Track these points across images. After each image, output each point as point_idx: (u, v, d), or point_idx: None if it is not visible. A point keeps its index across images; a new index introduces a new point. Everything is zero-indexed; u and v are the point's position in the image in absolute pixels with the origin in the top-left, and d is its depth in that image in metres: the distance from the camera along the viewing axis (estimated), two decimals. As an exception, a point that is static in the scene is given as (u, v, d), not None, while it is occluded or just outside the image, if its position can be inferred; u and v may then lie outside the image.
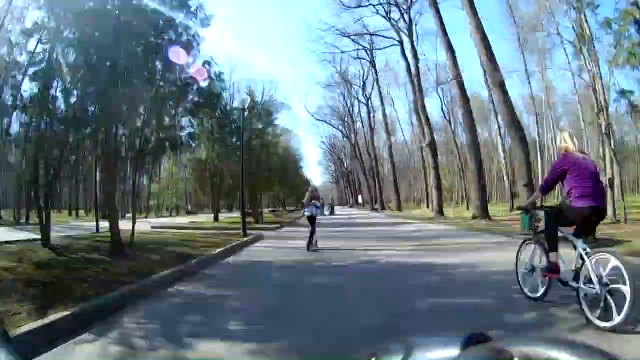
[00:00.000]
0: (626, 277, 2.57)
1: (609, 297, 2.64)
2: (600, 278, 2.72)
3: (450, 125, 35.33)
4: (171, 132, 7.99)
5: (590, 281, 2.79)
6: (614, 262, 2.72)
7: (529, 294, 3.51)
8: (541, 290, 3.36)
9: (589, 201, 3.04)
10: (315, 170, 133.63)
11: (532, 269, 3.53)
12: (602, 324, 2.62)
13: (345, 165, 64.53)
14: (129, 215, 9.81)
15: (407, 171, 47.93)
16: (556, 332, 2.72)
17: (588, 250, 2.91)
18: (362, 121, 48.36)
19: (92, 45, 5.64)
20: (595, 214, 3.10)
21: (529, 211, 3.81)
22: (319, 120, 51.46)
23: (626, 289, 2.54)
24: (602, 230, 7.08)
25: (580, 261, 2.95)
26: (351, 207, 58.81)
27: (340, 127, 53.58)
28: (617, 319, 2.52)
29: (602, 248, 3.44)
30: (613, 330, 2.54)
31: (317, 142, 74.77)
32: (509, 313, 3.22)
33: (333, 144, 61.61)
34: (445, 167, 35.80)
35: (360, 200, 54.97)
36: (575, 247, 3.04)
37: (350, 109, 49.20)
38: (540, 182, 8.01)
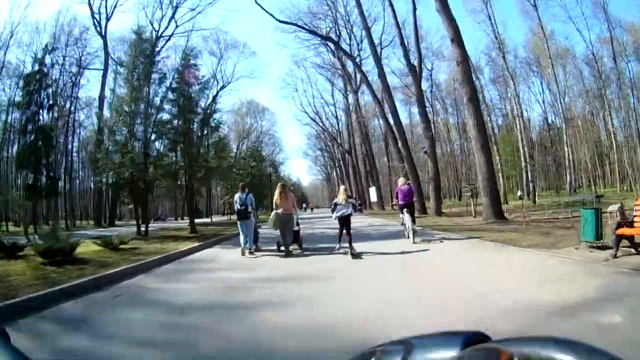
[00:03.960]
0: (409, 225, 8.64)
1: (410, 232, 8.53)
2: (407, 226, 8.74)
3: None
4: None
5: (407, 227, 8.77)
6: (409, 221, 8.67)
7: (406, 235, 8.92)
8: (407, 234, 8.86)
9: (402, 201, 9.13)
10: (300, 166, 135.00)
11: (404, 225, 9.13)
12: (410, 241, 8.33)
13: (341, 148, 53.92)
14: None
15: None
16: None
17: (407, 217, 8.88)
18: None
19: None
20: (407, 206, 8.99)
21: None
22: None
23: (410, 229, 8.54)
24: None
25: (408, 221, 8.73)
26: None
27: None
28: (411, 239, 8.39)
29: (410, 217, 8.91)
30: (413, 242, 8.15)
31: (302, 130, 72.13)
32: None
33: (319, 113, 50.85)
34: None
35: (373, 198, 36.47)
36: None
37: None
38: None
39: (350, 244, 6.98)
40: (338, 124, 52.41)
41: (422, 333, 0.47)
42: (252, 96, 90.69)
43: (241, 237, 8.12)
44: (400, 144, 23.07)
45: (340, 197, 7.44)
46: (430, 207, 21.33)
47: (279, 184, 8.63)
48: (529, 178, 27.36)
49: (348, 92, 44.96)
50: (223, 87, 43.33)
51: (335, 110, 51.94)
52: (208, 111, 15.58)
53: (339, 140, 50.86)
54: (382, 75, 23.97)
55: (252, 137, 52.66)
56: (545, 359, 0.35)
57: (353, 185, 48.35)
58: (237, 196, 8.34)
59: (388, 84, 23.82)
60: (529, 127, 39.73)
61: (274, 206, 7.92)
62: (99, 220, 30.61)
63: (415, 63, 21.94)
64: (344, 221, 7.30)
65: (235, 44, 41.66)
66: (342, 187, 8.11)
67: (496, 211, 14.21)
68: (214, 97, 43.42)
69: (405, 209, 8.86)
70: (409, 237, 8.49)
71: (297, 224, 8.31)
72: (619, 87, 31.11)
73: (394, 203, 10.49)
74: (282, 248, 7.74)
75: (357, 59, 32.34)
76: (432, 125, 24.93)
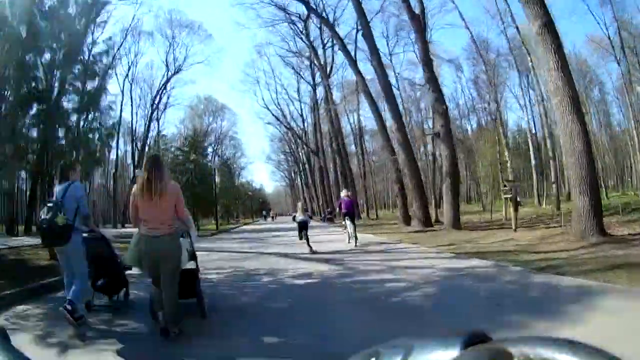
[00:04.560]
0: (350, 231, 10.26)
1: (352, 238, 10.12)
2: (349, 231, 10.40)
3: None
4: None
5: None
6: (350, 227, 10.25)
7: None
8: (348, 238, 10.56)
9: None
10: (262, 172, 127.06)
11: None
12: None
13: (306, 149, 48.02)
14: None
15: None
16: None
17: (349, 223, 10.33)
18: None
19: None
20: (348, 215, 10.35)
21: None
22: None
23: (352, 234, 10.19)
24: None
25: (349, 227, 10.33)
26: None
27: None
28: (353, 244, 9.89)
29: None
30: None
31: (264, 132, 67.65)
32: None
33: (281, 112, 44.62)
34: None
35: None
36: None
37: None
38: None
39: (307, 242, 9.23)
40: (304, 123, 45.81)
41: (422, 335, 0.45)
42: (210, 93, 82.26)
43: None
44: (394, 126, 16.26)
45: (299, 212, 9.90)
46: (444, 215, 14.66)
47: (148, 156, 4.53)
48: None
49: (317, 85, 38.50)
50: (175, 72, 36.18)
51: (301, 108, 45.32)
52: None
53: (304, 139, 43.70)
54: (367, 34, 17.37)
55: (211, 139, 47.02)
56: (546, 359, 0.35)
57: (320, 191, 41.39)
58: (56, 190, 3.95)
59: (375, 44, 17.20)
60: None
61: (132, 212, 3.45)
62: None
63: (417, 11, 15.55)
64: (303, 225, 9.51)
65: (190, 25, 35.59)
66: (299, 204, 10.76)
67: (598, 222, 7.80)
68: (165, 84, 35.86)
69: (347, 217, 10.38)
70: (349, 242, 10.20)
71: (193, 258, 3.90)
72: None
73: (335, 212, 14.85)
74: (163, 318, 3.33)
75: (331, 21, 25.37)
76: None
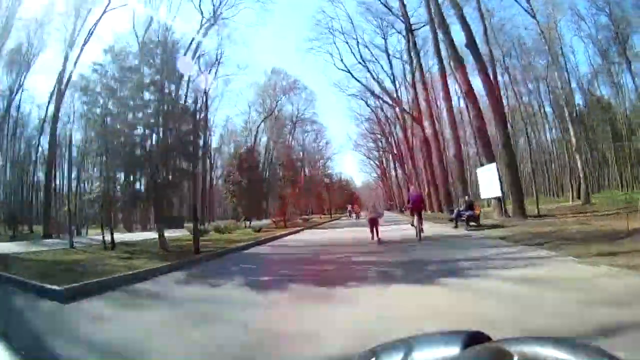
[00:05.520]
0: (417, 225, 9.70)
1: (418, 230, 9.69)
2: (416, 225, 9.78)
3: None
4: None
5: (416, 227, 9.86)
6: (417, 222, 9.73)
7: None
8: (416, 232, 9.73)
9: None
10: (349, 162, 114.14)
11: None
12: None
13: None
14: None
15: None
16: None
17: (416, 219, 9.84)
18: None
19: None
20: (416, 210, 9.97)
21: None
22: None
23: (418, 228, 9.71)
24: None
25: (417, 222, 9.77)
26: None
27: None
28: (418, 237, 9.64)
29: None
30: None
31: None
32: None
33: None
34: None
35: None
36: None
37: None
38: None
39: (378, 235, 9.81)
40: (395, 84, 35.22)
41: (424, 333, 0.45)
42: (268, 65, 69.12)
43: None
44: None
45: (370, 210, 10.89)
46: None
47: None
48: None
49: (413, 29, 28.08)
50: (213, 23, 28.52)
51: (390, 65, 34.78)
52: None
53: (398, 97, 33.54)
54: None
55: (284, 121, 39.29)
56: (545, 358, 0.35)
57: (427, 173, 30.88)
58: None
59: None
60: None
61: None
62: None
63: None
64: (374, 221, 10.12)
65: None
66: (371, 204, 12.24)
67: None
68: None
69: (415, 212, 10.06)
70: (417, 236, 9.61)
71: None
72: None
73: (406, 207, 13.52)
74: None
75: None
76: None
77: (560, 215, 13.20)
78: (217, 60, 30.84)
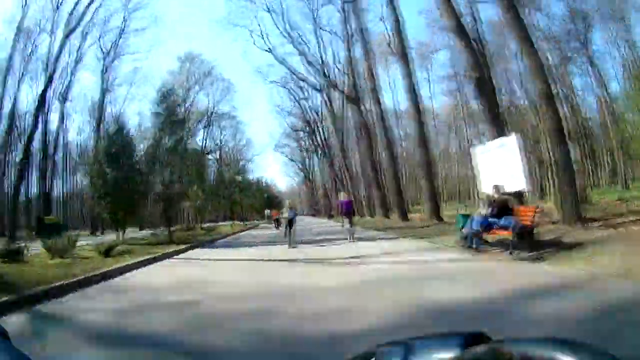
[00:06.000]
0: (347, 227, 10.90)
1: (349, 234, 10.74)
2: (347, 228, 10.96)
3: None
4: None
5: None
6: (347, 224, 11.08)
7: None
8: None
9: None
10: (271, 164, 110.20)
11: None
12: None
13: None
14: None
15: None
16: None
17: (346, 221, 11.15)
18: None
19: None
20: (347, 214, 11.23)
21: None
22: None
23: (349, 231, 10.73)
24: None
25: (347, 224, 11.11)
26: None
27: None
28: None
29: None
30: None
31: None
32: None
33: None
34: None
35: None
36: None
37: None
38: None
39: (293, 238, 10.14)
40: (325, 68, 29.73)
41: (424, 334, 0.45)
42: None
43: None
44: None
45: (284, 209, 11.74)
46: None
47: None
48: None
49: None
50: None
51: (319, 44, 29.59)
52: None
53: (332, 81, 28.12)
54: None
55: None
56: (545, 359, 0.35)
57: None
58: None
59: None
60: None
61: None
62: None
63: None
64: (290, 221, 10.45)
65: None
66: (287, 202, 13.31)
67: None
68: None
69: (346, 216, 11.10)
70: (350, 239, 10.35)
71: None
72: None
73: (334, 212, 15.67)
74: None
75: None
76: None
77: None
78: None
